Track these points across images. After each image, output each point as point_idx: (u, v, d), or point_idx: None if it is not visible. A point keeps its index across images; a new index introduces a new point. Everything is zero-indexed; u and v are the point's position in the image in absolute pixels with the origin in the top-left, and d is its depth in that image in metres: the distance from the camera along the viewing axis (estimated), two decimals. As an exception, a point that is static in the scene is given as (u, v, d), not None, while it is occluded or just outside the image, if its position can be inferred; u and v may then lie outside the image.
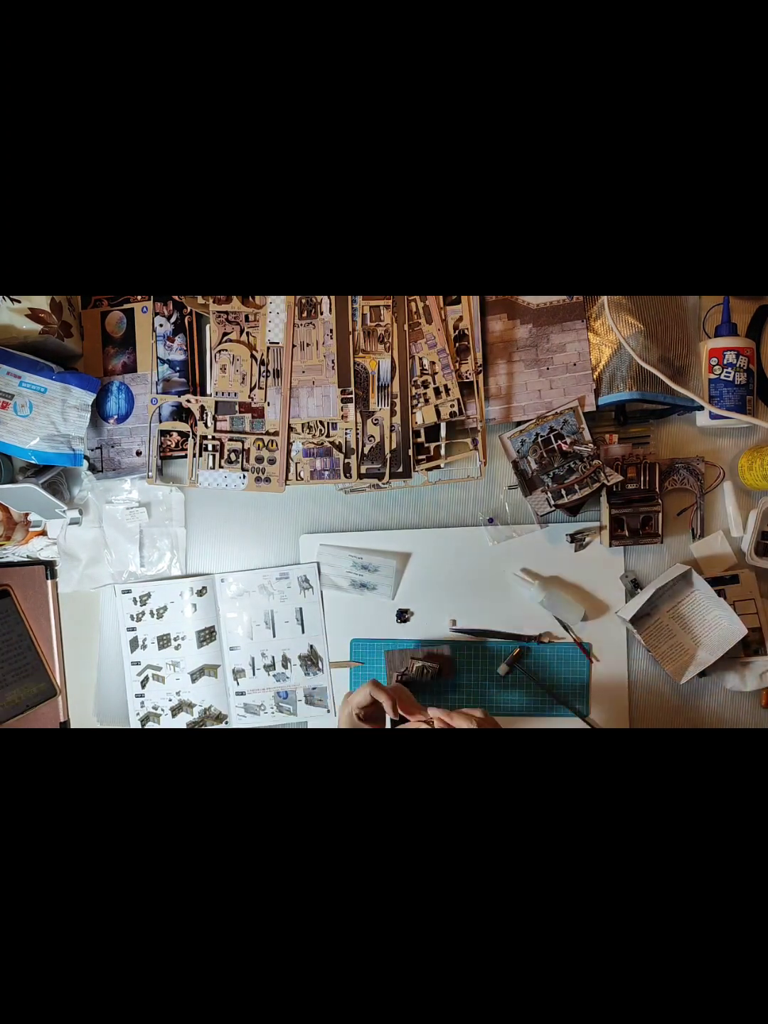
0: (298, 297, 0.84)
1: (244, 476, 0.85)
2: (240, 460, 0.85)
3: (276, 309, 0.84)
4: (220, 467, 0.85)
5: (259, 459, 0.85)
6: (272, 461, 0.85)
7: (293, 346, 0.84)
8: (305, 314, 0.84)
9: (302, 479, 0.84)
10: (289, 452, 0.84)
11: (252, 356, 0.85)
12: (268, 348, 0.85)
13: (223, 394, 0.85)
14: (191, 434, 0.85)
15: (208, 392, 0.89)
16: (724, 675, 0.85)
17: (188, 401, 0.85)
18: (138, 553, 0.92)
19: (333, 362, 0.84)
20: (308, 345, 0.85)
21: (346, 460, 0.83)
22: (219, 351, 0.85)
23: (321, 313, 0.84)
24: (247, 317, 0.85)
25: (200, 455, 0.85)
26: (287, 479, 0.84)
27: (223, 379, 0.85)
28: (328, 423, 0.84)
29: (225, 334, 0.85)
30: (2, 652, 0.91)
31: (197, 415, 0.85)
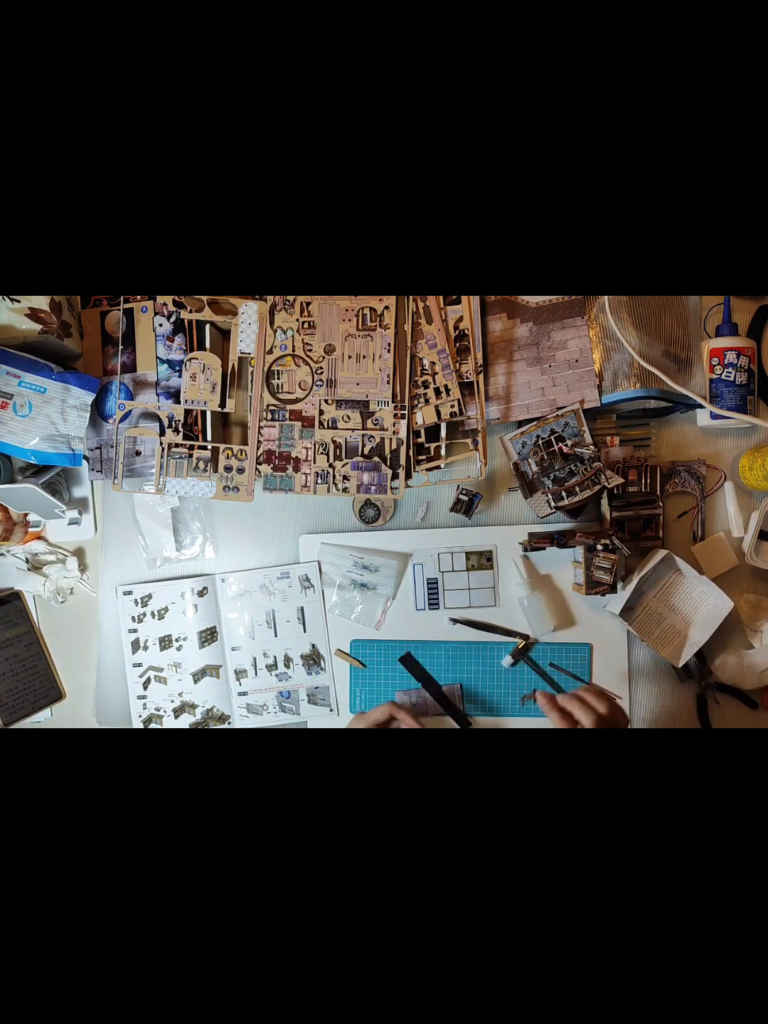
0: (361, 309, 0.83)
1: (212, 485, 0.85)
2: (209, 468, 0.85)
3: (248, 319, 0.84)
4: (188, 476, 0.85)
5: (227, 468, 0.85)
6: (241, 470, 0.85)
7: (348, 356, 0.84)
8: (362, 325, 0.83)
9: (347, 491, 0.85)
10: (256, 462, 0.84)
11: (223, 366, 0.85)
12: (239, 359, 0.85)
13: (193, 402, 0.85)
14: (159, 443, 0.85)
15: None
16: (723, 667, 0.85)
17: (157, 408, 0.85)
18: (173, 538, 0.92)
19: (388, 377, 0.83)
20: (364, 357, 0.84)
21: (391, 470, 0.84)
22: (190, 360, 0.85)
23: (381, 324, 0.83)
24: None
25: (167, 461, 0.85)
26: (326, 491, 0.85)
27: (192, 388, 0.85)
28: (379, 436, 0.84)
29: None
30: (12, 655, 0.91)
31: (166, 423, 0.85)
